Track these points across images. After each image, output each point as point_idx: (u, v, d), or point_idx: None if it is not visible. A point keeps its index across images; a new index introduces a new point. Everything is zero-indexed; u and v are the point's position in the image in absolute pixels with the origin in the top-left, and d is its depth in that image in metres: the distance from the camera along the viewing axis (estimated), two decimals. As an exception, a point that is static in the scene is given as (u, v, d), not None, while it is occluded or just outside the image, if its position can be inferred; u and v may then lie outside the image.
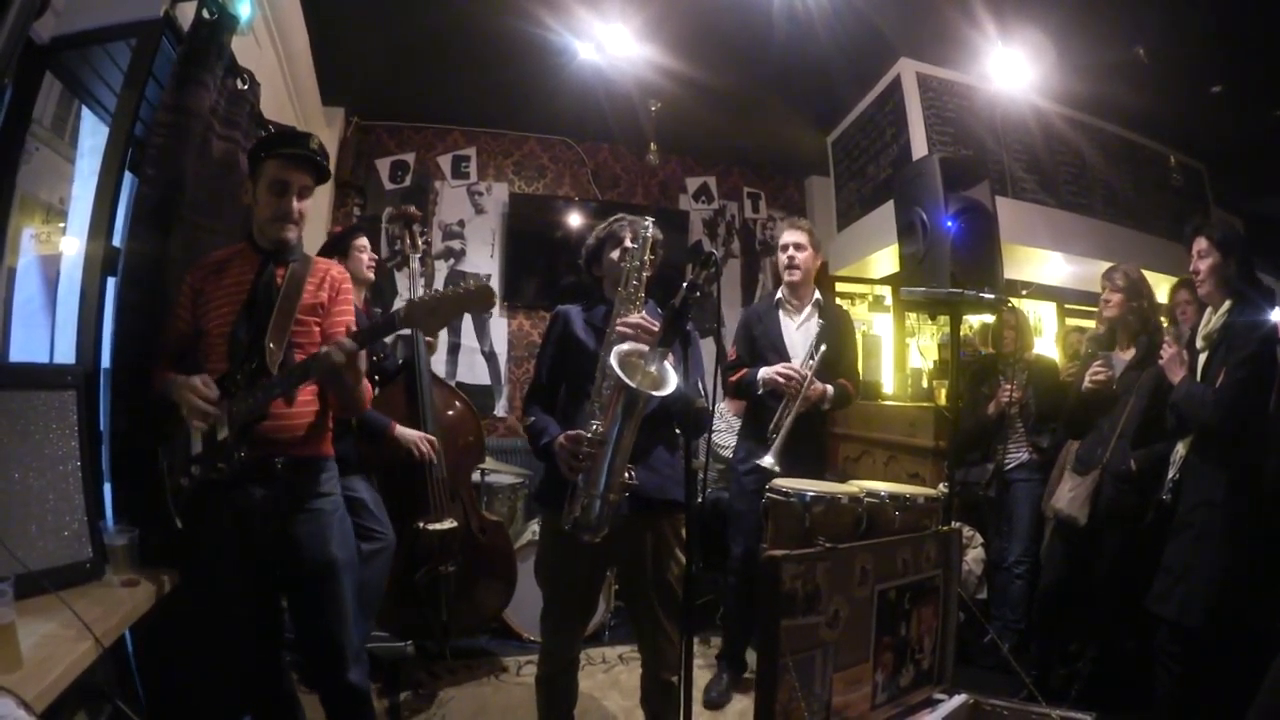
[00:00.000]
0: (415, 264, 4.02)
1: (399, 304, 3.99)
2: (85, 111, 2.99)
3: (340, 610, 2.54)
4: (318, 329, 2.57)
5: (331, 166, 2.69)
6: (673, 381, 2.44)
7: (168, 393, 2.47)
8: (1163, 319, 4.17)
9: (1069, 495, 3.78)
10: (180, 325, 2.59)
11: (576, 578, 2.85)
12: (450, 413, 4.17)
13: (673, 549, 2.83)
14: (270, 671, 2.65)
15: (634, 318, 2.65)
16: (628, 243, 2.86)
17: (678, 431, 2.82)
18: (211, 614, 2.53)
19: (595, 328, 2.86)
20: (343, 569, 2.55)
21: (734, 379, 3.91)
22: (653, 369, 2.48)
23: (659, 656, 2.87)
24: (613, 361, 2.41)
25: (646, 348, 2.52)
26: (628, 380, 2.38)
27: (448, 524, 3.83)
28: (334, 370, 2.33)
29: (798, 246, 3.95)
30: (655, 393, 2.42)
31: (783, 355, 3.87)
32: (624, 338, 2.60)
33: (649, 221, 2.80)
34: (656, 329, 2.60)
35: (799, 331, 3.94)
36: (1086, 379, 3.82)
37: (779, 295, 4.03)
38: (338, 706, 2.60)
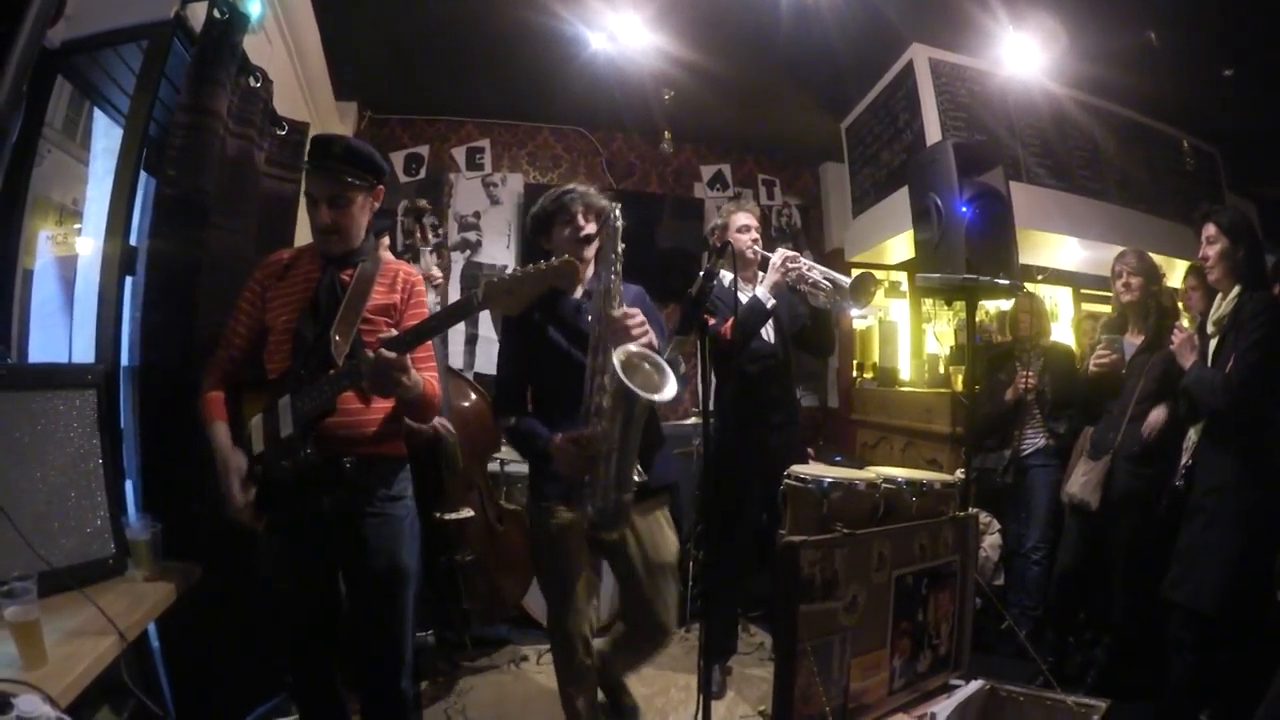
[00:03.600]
0: (428, 257, 3.98)
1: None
2: (97, 113, 3.02)
3: (403, 617, 2.55)
4: (390, 329, 2.47)
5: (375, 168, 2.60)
6: (673, 383, 2.47)
7: (209, 435, 2.44)
8: (1179, 303, 4.16)
9: (1082, 480, 3.78)
10: (243, 329, 2.55)
11: (576, 562, 2.86)
12: (464, 403, 4.16)
13: (662, 526, 2.90)
14: (322, 672, 2.63)
15: (627, 318, 2.60)
16: (580, 220, 2.81)
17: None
18: (257, 609, 2.57)
19: (566, 324, 2.82)
20: (409, 576, 2.55)
21: (728, 327, 3.64)
22: (649, 368, 2.50)
23: (649, 637, 2.97)
24: (620, 373, 2.41)
25: (643, 347, 2.54)
26: (641, 392, 2.40)
27: (464, 514, 3.84)
28: (384, 369, 2.25)
29: (758, 228, 3.93)
30: (658, 397, 2.44)
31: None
32: (615, 335, 2.58)
33: (617, 208, 2.72)
34: (643, 327, 2.61)
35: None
36: (1091, 363, 3.83)
37: (730, 276, 3.78)
38: (384, 712, 2.60)
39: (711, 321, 3.63)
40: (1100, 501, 3.68)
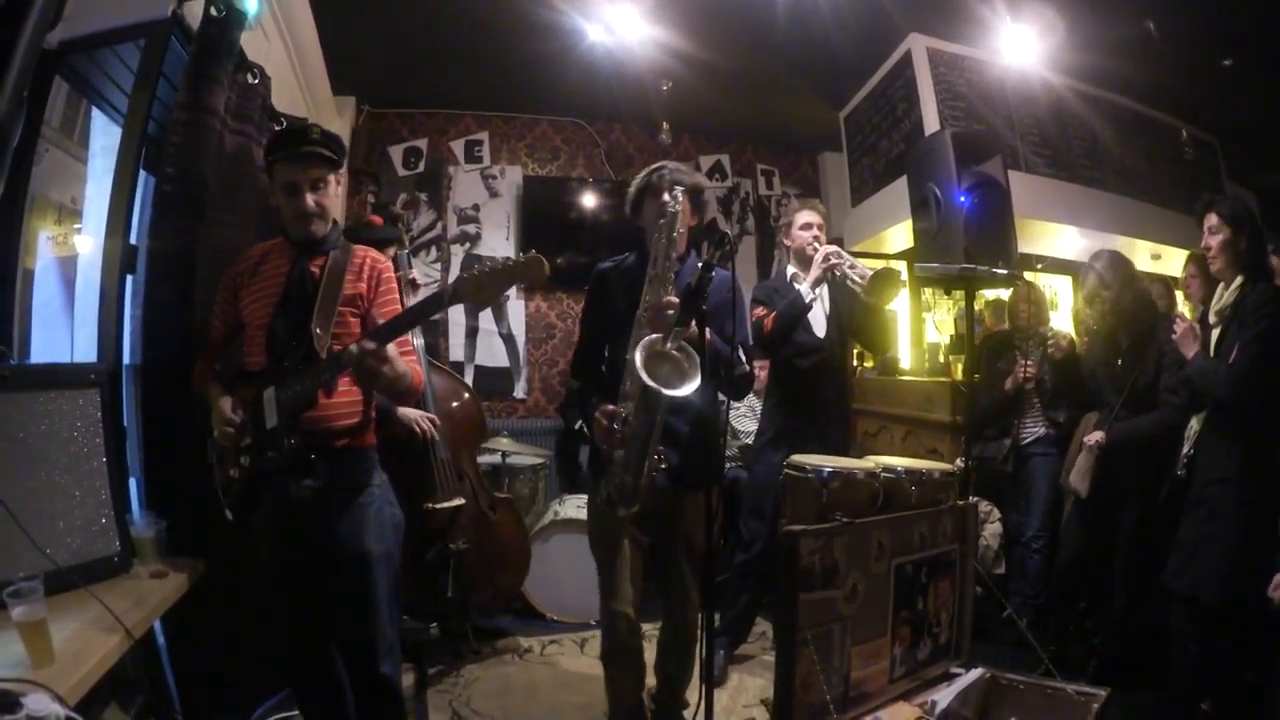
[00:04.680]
0: (404, 258, 4.00)
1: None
2: (95, 112, 3.02)
3: (373, 603, 2.56)
4: (354, 320, 2.56)
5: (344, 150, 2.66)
6: (696, 378, 2.48)
7: (206, 400, 2.52)
8: (1180, 290, 4.17)
9: (1074, 469, 3.81)
10: (218, 323, 2.64)
11: (622, 543, 2.93)
12: (449, 394, 4.22)
13: (704, 516, 2.90)
14: (316, 659, 2.66)
15: (666, 307, 2.64)
16: (664, 196, 2.85)
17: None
18: (255, 601, 2.59)
19: (629, 289, 2.88)
20: (377, 562, 2.56)
21: (770, 319, 3.78)
22: (678, 355, 2.52)
23: (683, 621, 3.01)
24: (639, 366, 2.46)
25: (677, 340, 2.56)
26: (652, 383, 2.43)
27: (455, 502, 3.89)
28: (362, 365, 2.29)
29: (820, 227, 3.95)
30: (675, 392, 2.46)
31: (805, 327, 3.85)
32: (648, 321, 2.65)
33: (684, 187, 2.80)
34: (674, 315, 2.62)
35: (815, 303, 3.87)
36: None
37: (793, 271, 4.01)
38: (368, 697, 2.62)
39: (761, 312, 3.78)
40: (1089, 490, 3.70)
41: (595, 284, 3.01)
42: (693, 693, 3.45)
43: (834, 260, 3.70)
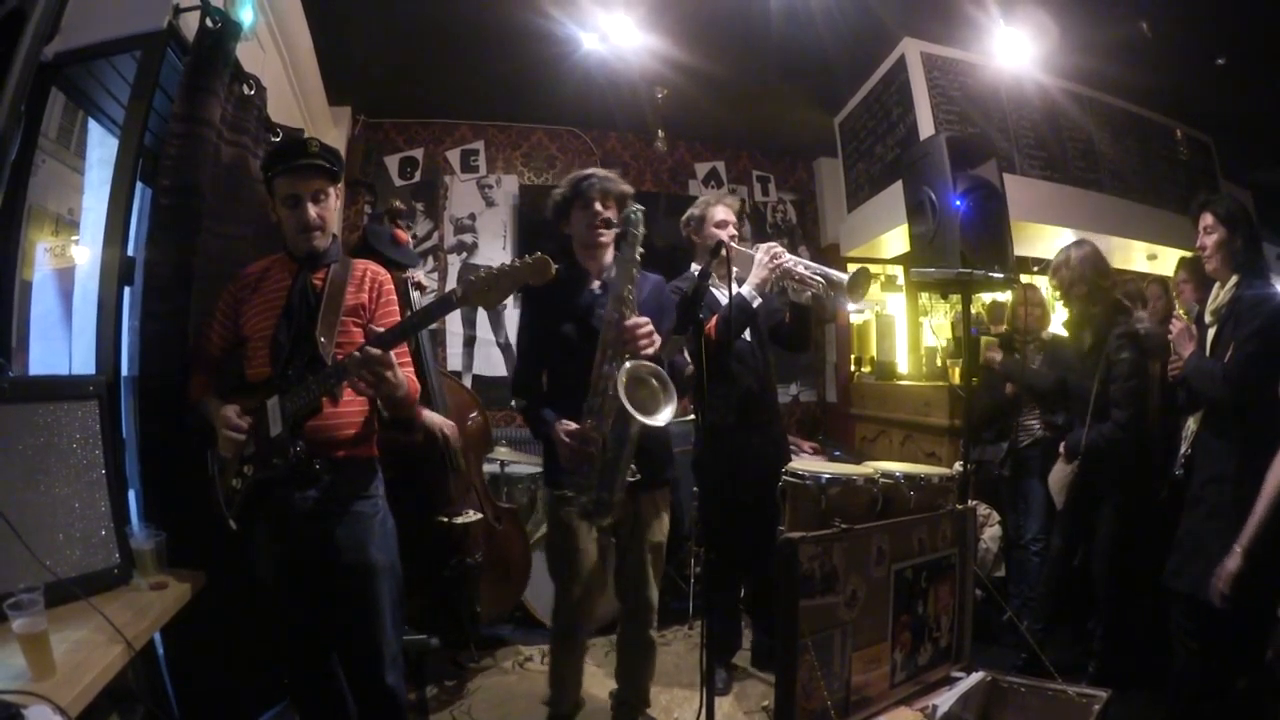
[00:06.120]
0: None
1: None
2: (92, 123, 3.03)
3: (377, 613, 2.56)
4: (357, 330, 2.57)
5: (342, 162, 2.66)
6: (672, 408, 2.64)
7: (204, 412, 2.53)
8: (1174, 294, 4.17)
9: (1053, 476, 3.92)
10: (215, 337, 2.65)
11: (592, 553, 3.06)
12: (457, 404, 4.16)
13: (660, 513, 3.09)
14: (318, 670, 2.67)
15: (636, 328, 2.72)
16: (597, 206, 2.92)
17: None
18: (255, 612, 2.60)
19: (579, 318, 2.95)
20: (382, 573, 2.57)
21: (711, 325, 3.50)
22: (655, 384, 2.66)
23: (640, 614, 3.13)
24: (622, 395, 2.56)
25: (653, 364, 2.68)
26: (637, 415, 2.57)
27: (471, 516, 3.82)
28: (370, 365, 2.30)
29: (736, 225, 3.86)
30: (651, 420, 2.60)
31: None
32: (624, 344, 2.71)
33: (639, 210, 2.80)
34: (650, 338, 2.72)
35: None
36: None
37: (700, 269, 3.70)
38: (372, 708, 2.62)
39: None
40: (1065, 503, 3.81)
41: (529, 301, 3.01)
42: (693, 699, 3.46)
43: (780, 259, 3.46)
